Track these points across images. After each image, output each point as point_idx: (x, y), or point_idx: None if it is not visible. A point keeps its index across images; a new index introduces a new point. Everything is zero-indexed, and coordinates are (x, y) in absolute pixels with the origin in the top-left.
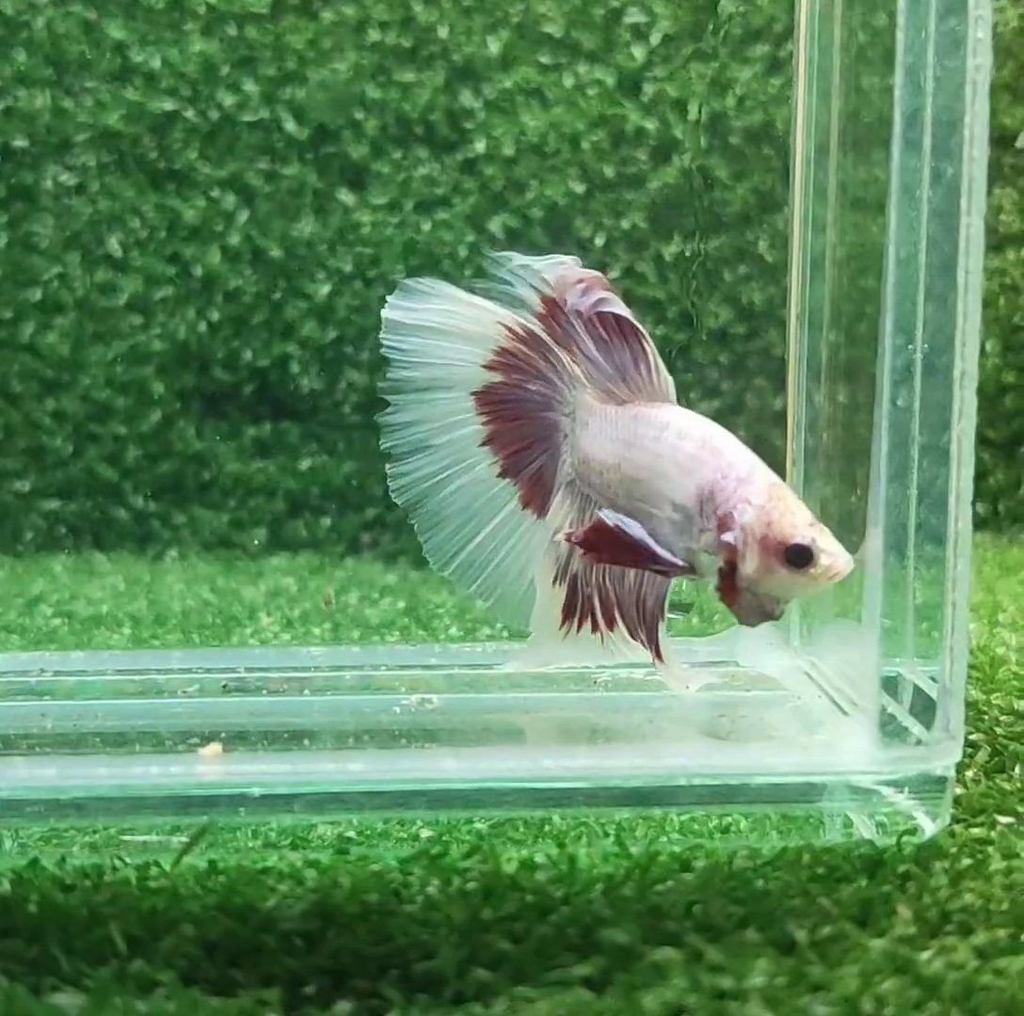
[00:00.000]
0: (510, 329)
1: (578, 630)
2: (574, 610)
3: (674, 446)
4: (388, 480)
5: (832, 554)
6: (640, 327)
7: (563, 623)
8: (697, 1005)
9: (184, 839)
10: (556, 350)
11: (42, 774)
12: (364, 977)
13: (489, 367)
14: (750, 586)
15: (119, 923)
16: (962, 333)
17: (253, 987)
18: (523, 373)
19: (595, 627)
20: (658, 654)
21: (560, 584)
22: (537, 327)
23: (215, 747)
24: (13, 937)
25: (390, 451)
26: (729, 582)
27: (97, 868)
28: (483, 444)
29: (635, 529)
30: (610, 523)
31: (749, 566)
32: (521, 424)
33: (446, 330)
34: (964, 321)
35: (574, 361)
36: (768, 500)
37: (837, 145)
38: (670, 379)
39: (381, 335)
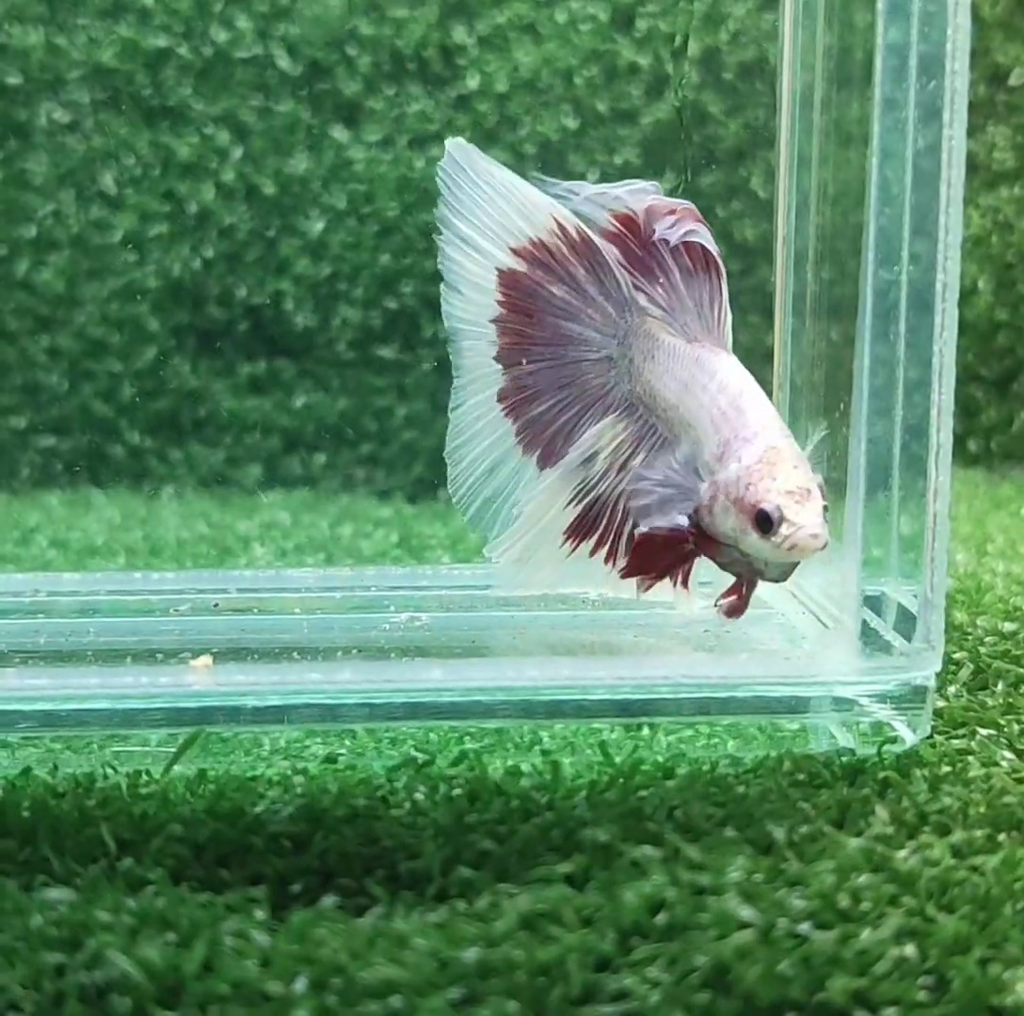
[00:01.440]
0: (560, 224)
1: (592, 554)
2: (586, 532)
3: (714, 398)
4: None
5: (794, 525)
6: (721, 264)
7: (568, 543)
8: (676, 899)
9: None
10: (613, 269)
11: (34, 684)
12: (350, 876)
13: (517, 253)
14: (733, 543)
15: (109, 825)
16: (944, 249)
17: (240, 886)
18: (552, 274)
19: (611, 552)
20: (685, 580)
21: (575, 506)
22: (600, 241)
23: (205, 658)
24: (5, 838)
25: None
26: (695, 533)
27: (89, 776)
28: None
29: (662, 521)
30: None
31: (728, 523)
32: (539, 330)
33: (498, 194)
34: (946, 235)
35: (653, 289)
36: (756, 462)
37: (825, 81)
38: (730, 325)
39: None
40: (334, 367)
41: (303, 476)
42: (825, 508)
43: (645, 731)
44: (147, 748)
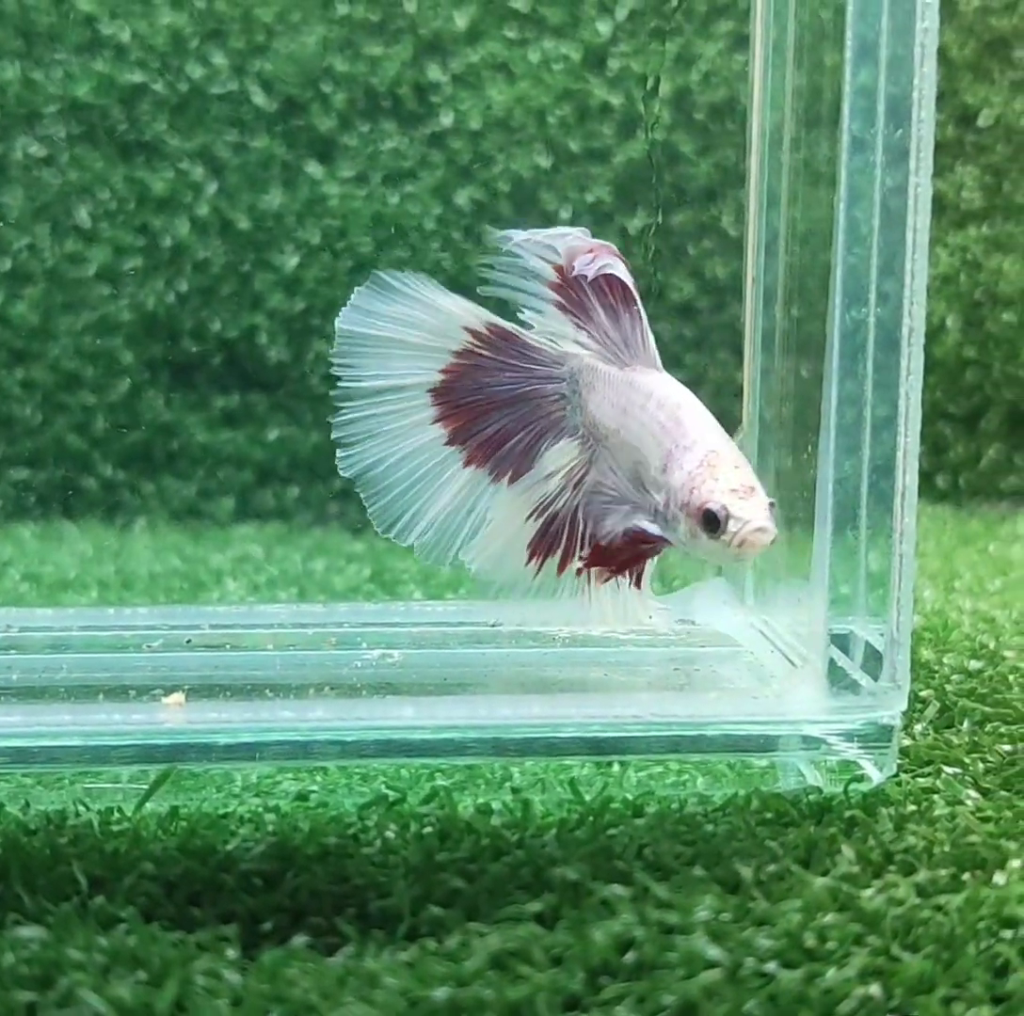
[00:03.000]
0: (472, 331)
1: (559, 571)
2: (546, 546)
3: (653, 415)
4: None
5: (740, 521)
6: (635, 293)
7: (532, 560)
8: (644, 938)
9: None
10: (537, 343)
11: (7, 721)
12: (321, 915)
13: (446, 371)
14: (688, 552)
15: (81, 863)
16: (911, 292)
17: (212, 924)
18: (483, 370)
19: (564, 562)
20: (638, 580)
21: (535, 519)
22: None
23: (178, 696)
24: None
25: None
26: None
27: (60, 813)
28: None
29: (614, 522)
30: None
31: (680, 531)
32: (478, 407)
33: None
34: (912, 280)
35: (589, 326)
36: (698, 466)
37: (794, 121)
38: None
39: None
40: (307, 401)
41: (276, 509)
42: (772, 505)
43: (616, 767)
44: (118, 784)
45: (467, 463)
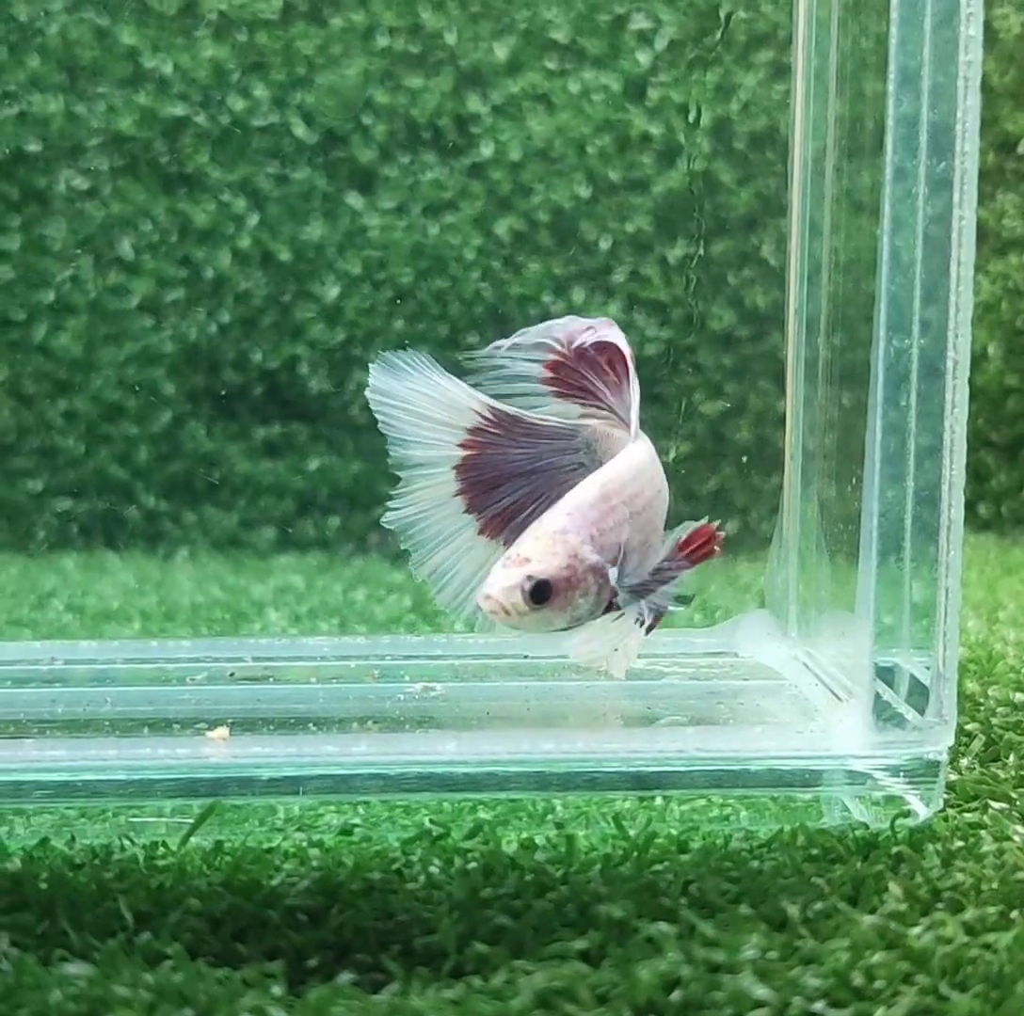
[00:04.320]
0: (480, 413)
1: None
2: None
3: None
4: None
5: (483, 588)
6: (630, 362)
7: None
8: (691, 977)
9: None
10: (547, 423)
11: (53, 754)
12: (366, 951)
13: (463, 445)
14: None
15: (127, 898)
16: (955, 325)
17: (257, 960)
18: (497, 446)
19: None
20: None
21: None
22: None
23: (222, 730)
24: (24, 911)
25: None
26: None
27: (105, 848)
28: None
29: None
30: None
31: None
32: (496, 480)
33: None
34: (956, 313)
35: (589, 404)
36: None
37: (836, 150)
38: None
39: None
40: (348, 431)
41: (317, 539)
42: (540, 586)
43: (658, 801)
44: (162, 818)
45: (481, 531)
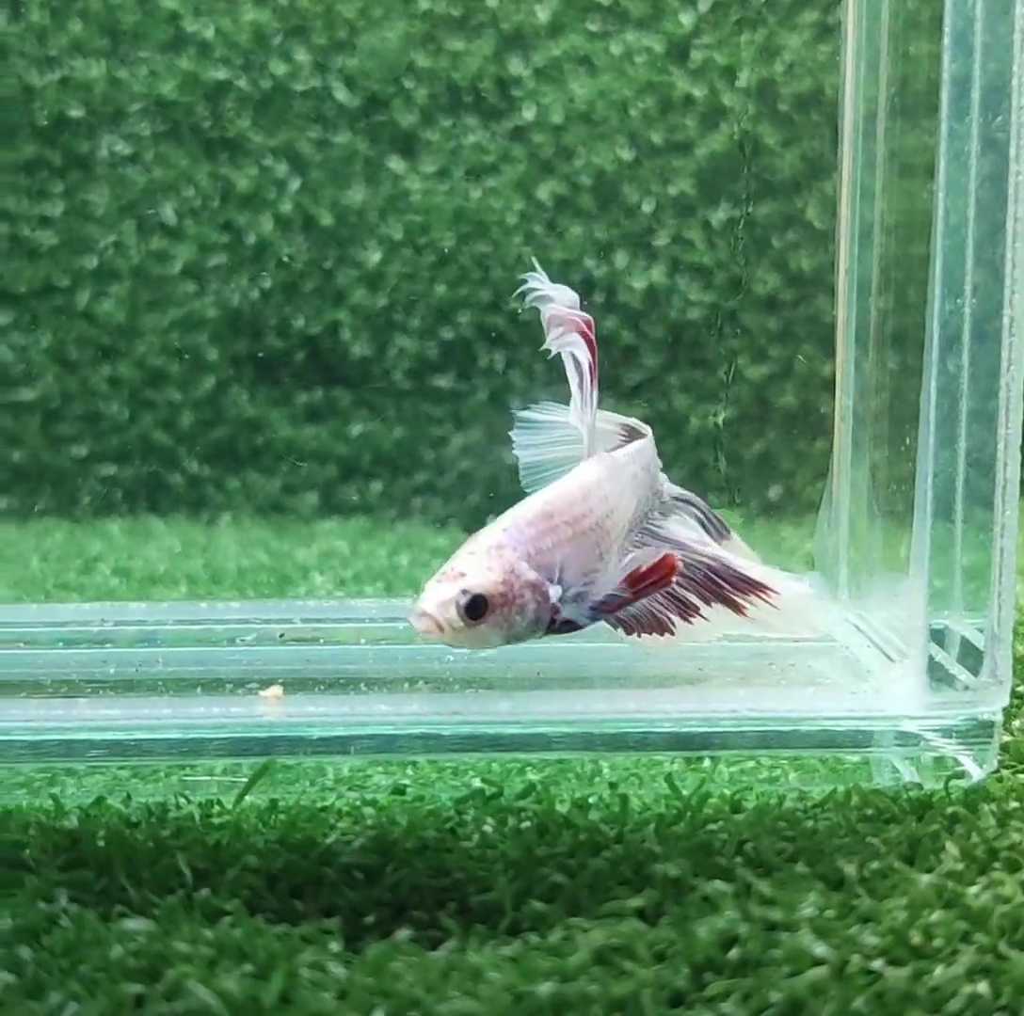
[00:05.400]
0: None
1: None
2: None
3: None
4: None
5: (417, 604)
6: (589, 376)
7: None
8: (749, 935)
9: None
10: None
11: (107, 713)
12: (422, 909)
13: None
14: None
15: (185, 855)
16: (1011, 284)
17: (314, 917)
18: None
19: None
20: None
21: None
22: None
23: (275, 689)
24: (82, 869)
25: None
26: None
27: (161, 806)
28: None
29: None
30: None
31: None
32: None
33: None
34: (1012, 269)
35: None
36: None
37: (886, 112)
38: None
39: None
40: (390, 396)
41: (360, 504)
42: (475, 601)
43: (706, 763)
44: (212, 777)
45: None
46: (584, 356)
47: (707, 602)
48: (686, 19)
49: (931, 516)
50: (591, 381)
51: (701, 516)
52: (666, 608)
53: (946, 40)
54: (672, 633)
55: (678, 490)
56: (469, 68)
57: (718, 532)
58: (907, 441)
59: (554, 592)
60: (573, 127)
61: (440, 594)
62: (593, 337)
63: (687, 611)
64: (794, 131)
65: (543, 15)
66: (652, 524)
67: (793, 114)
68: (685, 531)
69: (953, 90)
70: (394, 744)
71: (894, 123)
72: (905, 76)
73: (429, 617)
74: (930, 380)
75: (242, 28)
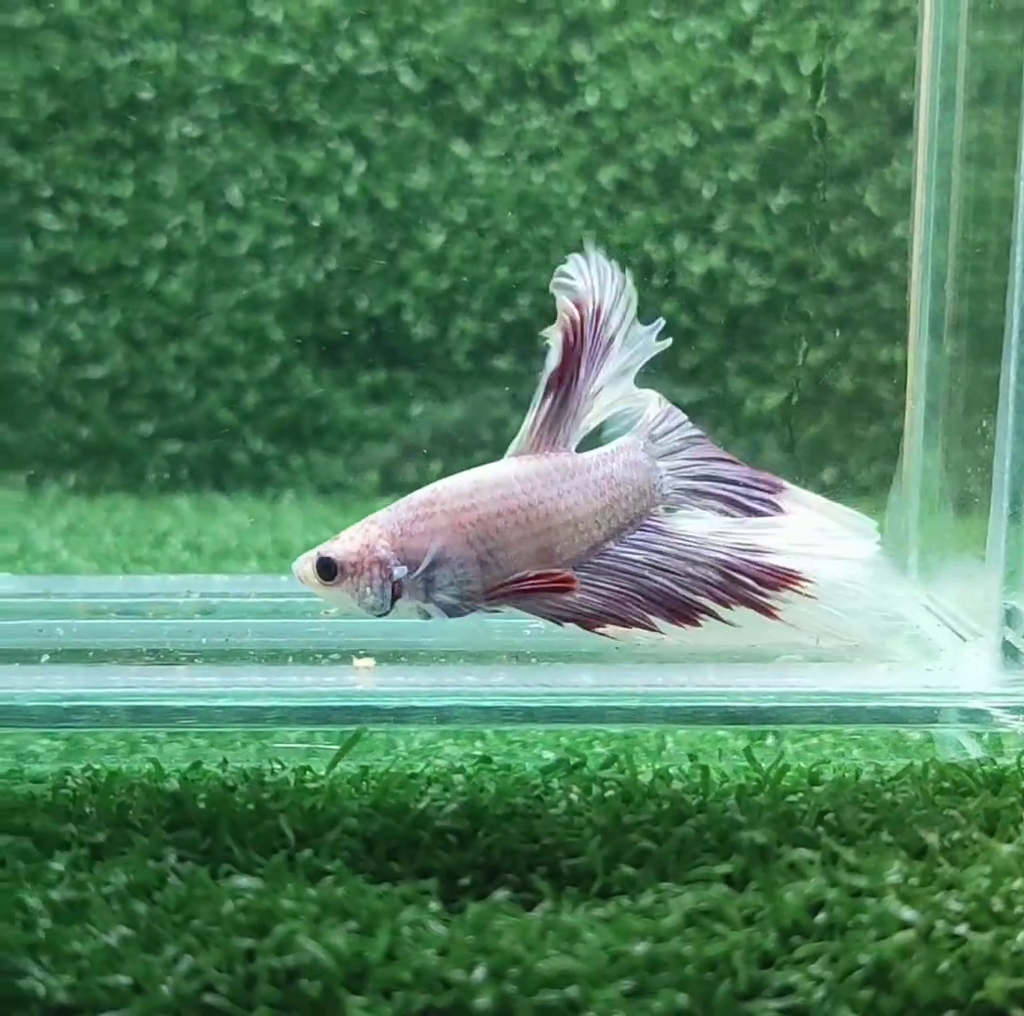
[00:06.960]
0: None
1: None
2: None
3: None
4: None
5: None
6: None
7: None
8: (836, 900)
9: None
10: None
11: (205, 680)
12: (515, 871)
13: None
14: None
15: (286, 817)
16: None
17: (411, 878)
18: None
19: None
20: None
21: None
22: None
23: (367, 660)
24: (187, 829)
25: None
26: None
27: (257, 770)
28: None
29: None
30: None
31: None
32: None
33: None
34: None
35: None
36: None
37: (964, 101)
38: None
39: None
40: (451, 377)
41: (420, 484)
42: (325, 563)
43: (769, 740)
44: (294, 744)
45: None
46: (553, 360)
47: (726, 605)
48: (749, 6)
49: (1008, 500)
50: (558, 385)
51: (728, 495)
52: (658, 608)
53: None
54: (660, 632)
55: (687, 482)
56: (533, 53)
57: (761, 503)
58: (983, 424)
59: (399, 572)
60: (635, 112)
61: (311, 551)
62: (585, 335)
63: (689, 613)
64: (855, 117)
65: (607, 2)
66: (653, 520)
67: (854, 101)
68: (695, 524)
69: None
70: (484, 715)
71: (973, 111)
72: (984, 64)
73: (296, 567)
74: (1009, 365)
75: (310, 13)
